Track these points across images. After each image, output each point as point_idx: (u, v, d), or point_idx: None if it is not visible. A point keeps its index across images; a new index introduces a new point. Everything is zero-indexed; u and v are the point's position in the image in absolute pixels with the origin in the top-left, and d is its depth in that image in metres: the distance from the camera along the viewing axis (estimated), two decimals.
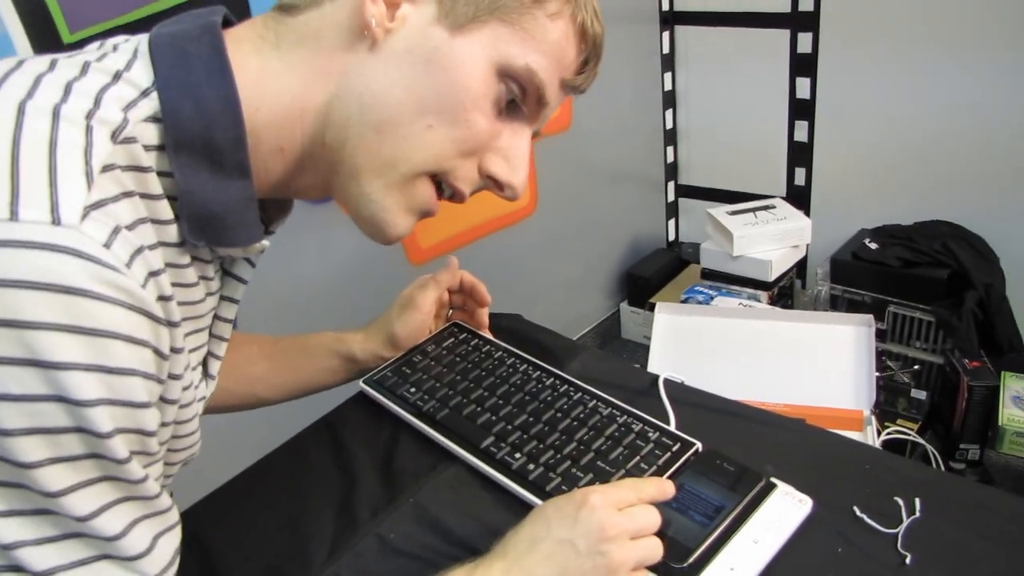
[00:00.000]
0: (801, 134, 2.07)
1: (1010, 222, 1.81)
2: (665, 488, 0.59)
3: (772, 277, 1.86)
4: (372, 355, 0.83)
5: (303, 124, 0.53)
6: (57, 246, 0.38)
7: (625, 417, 0.70)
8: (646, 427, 0.68)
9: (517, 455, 0.67)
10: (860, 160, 2.01)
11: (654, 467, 0.64)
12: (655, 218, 2.43)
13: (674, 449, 0.66)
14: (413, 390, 0.78)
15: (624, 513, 0.56)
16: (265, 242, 0.56)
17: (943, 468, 1.54)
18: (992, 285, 1.73)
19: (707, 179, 2.35)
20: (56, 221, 0.38)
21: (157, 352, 0.43)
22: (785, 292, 1.96)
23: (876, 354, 1.41)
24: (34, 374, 0.37)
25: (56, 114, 0.42)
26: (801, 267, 2.05)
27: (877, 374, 1.41)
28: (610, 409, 0.71)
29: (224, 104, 0.48)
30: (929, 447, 1.54)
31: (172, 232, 0.48)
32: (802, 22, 1.96)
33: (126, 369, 0.41)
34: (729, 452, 0.65)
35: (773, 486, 0.62)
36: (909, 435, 1.58)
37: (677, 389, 0.77)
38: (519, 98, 0.55)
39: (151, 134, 0.46)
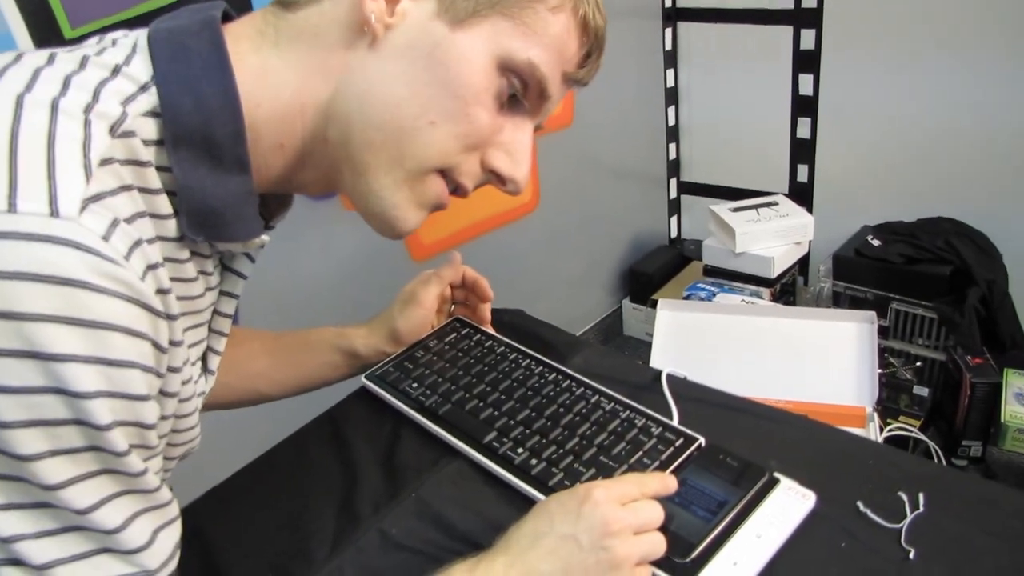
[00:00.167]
0: (804, 131, 2.06)
1: (1012, 219, 1.80)
2: (668, 483, 0.59)
3: (774, 274, 1.86)
4: (374, 350, 0.83)
5: (303, 120, 0.53)
6: (55, 238, 0.38)
7: (628, 412, 0.70)
8: (649, 422, 0.68)
9: (519, 450, 0.67)
10: (862, 157, 2.01)
11: (657, 462, 0.64)
12: (657, 215, 2.43)
13: (677, 444, 0.66)
14: (415, 385, 0.77)
15: (627, 508, 0.56)
16: (265, 237, 0.56)
17: (945, 465, 1.54)
18: (995, 282, 1.73)
19: (709, 176, 2.35)
20: (55, 213, 0.38)
21: (156, 345, 0.43)
22: (787, 289, 1.96)
23: (878, 351, 1.41)
24: (33, 366, 0.37)
25: (55, 107, 0.42)
26: (803, 264, 2.05)
27: (879, 371, 1.40)
28: (613, 404, 0.71)
29: (223, 99, 0.48)
30: (931, 444, 1.53)
31: (171, 227, 0.48)
32: (805, 19, 1.95)
33: (125, 361, 0.40)
34: (732, 447, 0.65)
35: (776, 481, 0.61)
36: (911, 432, 1.58)
37: (680, 384, 0.77)
38: (520, 93, 0.55)
39: (150, 129, 0.46)
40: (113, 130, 0.44)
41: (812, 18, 1.94)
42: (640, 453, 0.65)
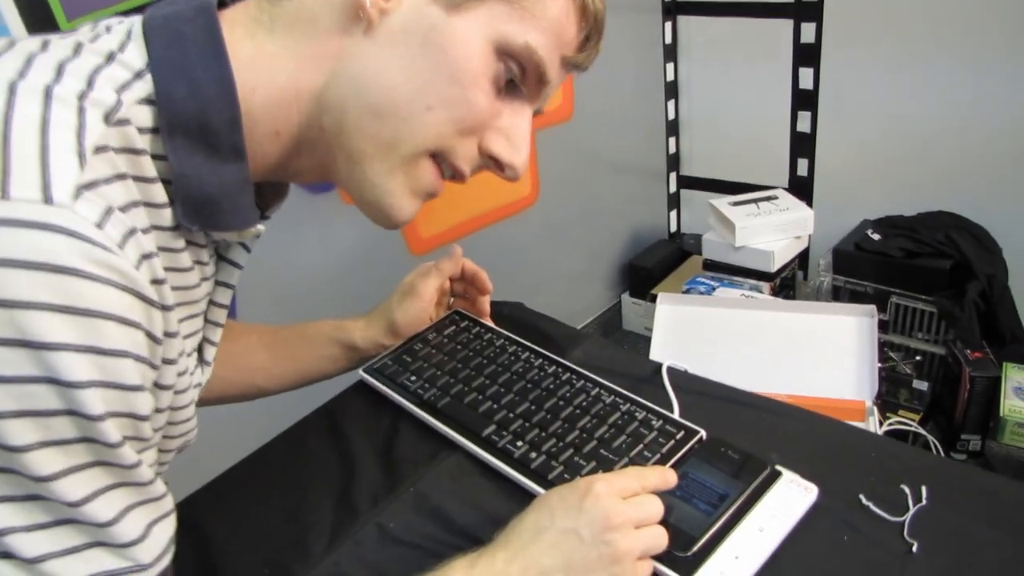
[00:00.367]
0: (804, 125, 2.06)
1: (1012, 213, 1.80)
2: (668, 477, 0.59)
3: (774, 268, 1.86)
4: (373, 343, 0.83)
5: (299, 107, 0.52)
6: (48, 225, 0.37)
7: (628, 405, 0.69)
8: (649, 415, 0.68)
9: (519, 443, 0.67)
10: (862, 151, 2.00)
11: (658, 456, 0.64)
12: (657, 209, 2.42)
13: (678, 437, 0.65)
14: (414, 378, 0.77)
15: (629, 502, 0.55)
16: (260, 227, 0.56)
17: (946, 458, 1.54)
18: (994, 276, 1.72)
19: (709, 170, 2.34)
20: (48, 200, 0.38)
21: (150, 335, 0.43)
22: (787, 283, 1.96)
23: (878, 345, 1.40)
24: (24, 355, 0.36)
25: (48, 94, 0.41)
26: (803, 258, 2.04)
27: (879, 365, 1.40)
28: (613, 397, 0.70)
29: (219, 86, 0.48)
30: (931, 438, 1.53)
31: (166, 216, 0.48)
32: (805, 12, 1.94)
33: (118, 351, 0.40)
34: (733, 440, 0.64)
35: (778, 474, 0.61)
36: (911, 426, 1.58)
37: (680, 377, 0.76)
38: (518, 78, 0.54)
39: (145, 117, 0.46)
40: (108, 118, 0.43)
41: (812, 12, 1.93)
42: (641, 446, 0.65)
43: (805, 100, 2.03)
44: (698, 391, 0.74)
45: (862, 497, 0.60)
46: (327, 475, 0.70)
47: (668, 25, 2.20)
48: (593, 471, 0.63)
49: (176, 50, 0.47)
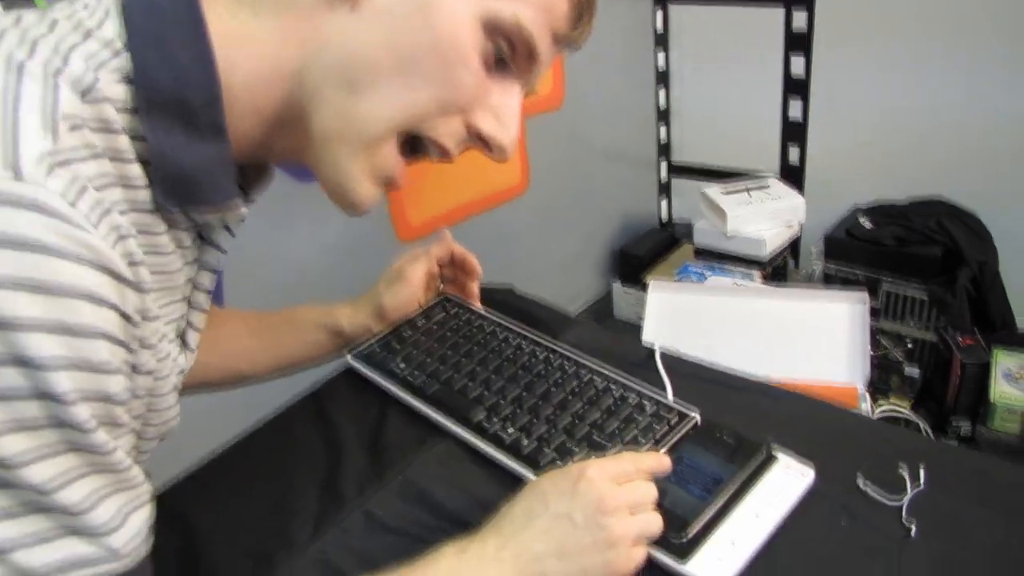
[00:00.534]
0: (795, 112, 2.05)
1: (1003, 200, 1.79)
2: (664, 462, 0.58)
3: (766, 255, 1.85)
4: (360, 328, 0.81)
5: (281, 85, 0.51)
6: (18, 200, 0.36)
7: (621, 389, 0.68)
8: (643, 399, 0.66)
9: (510, 429, 0.65)
10: (854, 138, 2.00)
11: (651, 440, 0.63)
12: (648, 197, 2.41)
13: (672, 421, 0.64)
14: (403, 364, 0.75)
15: (623, 487, 0.54)
16: (244, 209, 0.54)
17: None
18: (986, 262, 1.72)
19: (700, 158, 2.33)
20: (18, 175, 0.36)
21: (124, 316, 0.41)
22: (779, 271, 1.95)
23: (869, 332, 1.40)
24: None
25: (21, 70, 0.40)
26: (794, 247, 2.04)
27: (870, 352, 1.40)
28: (605, 381, 0.69)
29: (199, 64, 0.46)
30: (922, 423, 1.53)
31: (145, 197, 0.46)
32: None
33: (89, 330, 0.38)
34: (728, 424, 0.63)
35: (774, 458, 0.60)
36: (902, 412, 1.58)
37: (674, 361, 0.75)
38: (508, 55, 0.53)
39: (122, 94, 0.44)
40: (84, 94, 0.42)
41: None
42: (634, 431, 0.63)
43: (796, 88, 2.02)
44: (691, 374, 0.73)
45: (859, 480, 0.59)
46: (313, 462, 0.69)
47: (659, 13, 2.19)
48: (586, 457, 0.62)
49: (155, 27, 0.46)
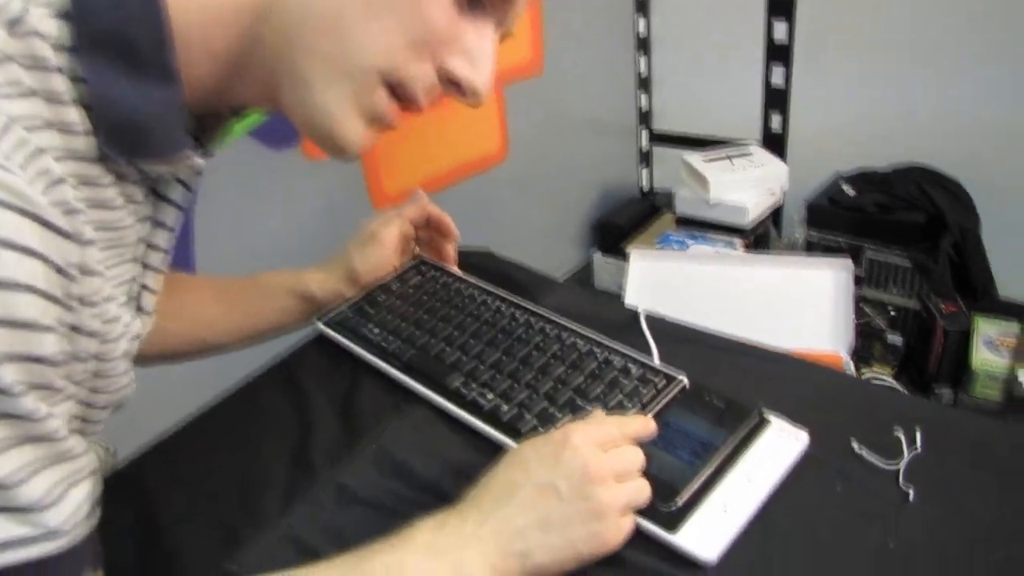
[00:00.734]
0: (777, 79, 2.01)
1: (984, 165, 1.78)
2: (649, 425, 0.54)
3: (748, 223, 1.82)
4: (331, 294, 0.77)
5: (238, 24, 0.47)
6: None
7: (605, 352, 0.65)
8: (628, 362, 0.63)
9: (489, 395, 0.62)
10: (836, 105, 1.97)
11: (638, 404, 0.59)
12: (628, 166, 2.38)
13: (659, 385, 0.61)
14: (376, 330, 0.72)
15: (609, 453, 0.51)
16: (199, 160, 0.50)
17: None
18: (968, 228, 1.71)
19: (681, 126, 2.29)
20: None
21: (57, 269, 0.37)
22: (761, 239, 1.93)
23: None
24: None
25: None
26: (776, 216, 2.02)
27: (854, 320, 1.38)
28: (589, 344, 0.66)
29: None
30: (904, 391, 1.52)
31: (86, 145, 0.42)
32: None
33: (11, 282, 0.34)
34: (717, 387, 0.60)
35: (766, 421, 0.57)
36: (885, 380, 1.57)
37: (659, 323, 0.72)
38: None
39: (59, 31, 0.40)
40: (10, 27, 0.38)
41: None
42: (619, 395, 0.60)
43: (779, 54, 1.98)
44: (677, 337, 0.70)
45: (854, 444, 0.57)
46: (282, 433, 0.65)
47: None
48: (569, 423, 0.58)
49: None
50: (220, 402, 0.71)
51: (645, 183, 2.41)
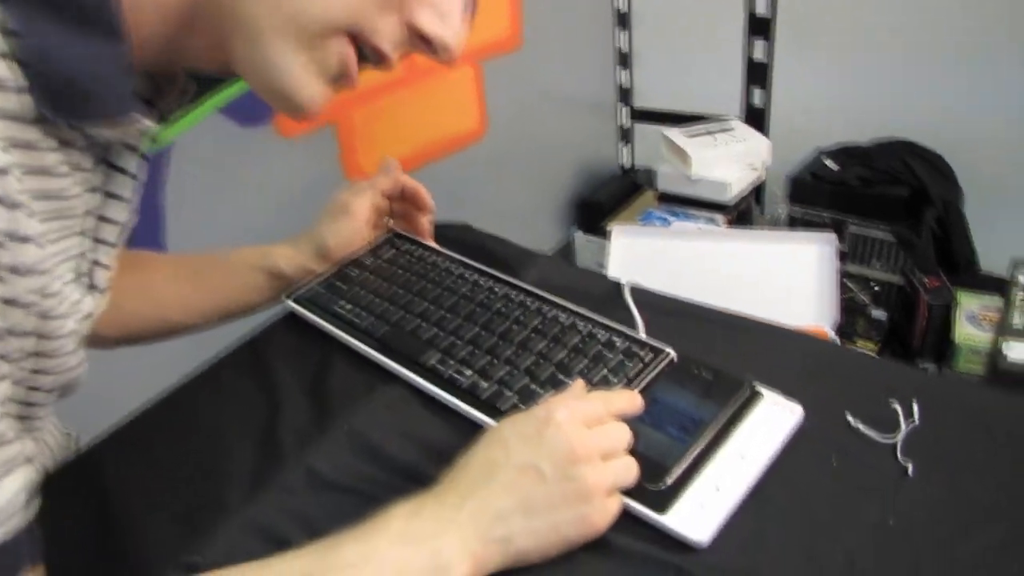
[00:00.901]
0: (759, 54, 1.98)
1: (965, 140, 1.77)
2: (636, 400, 0.52)
3: (731, 199, 1.80)
4: (301, 269, 0.73)
5: None
6: None
7: (588, 326, 0.62)
8: (612, 335, 0.60)
9: (467, 372, 0.59)
10: (818, 79, 1.95)
11: (624, 379, 0.57)
12: (609, 143, 2.34)
13: (645, 358, 0.58)
14: (348, 306, 0.68)
15: (594, 431, 0.48)
16: (149, 123, 0.46)
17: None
18: (951, 201, 1.70)
19: (662, 102, 2.26)
20: None
21: None
22: (743, 215, 1.91)
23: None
24: None
25: None
26: (758, 192, 2.00)
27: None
28: (571, 318, 0.63)
29: None
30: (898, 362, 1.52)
31: (19, 104, 0.39)
32: None
33: None
34: (706, 360, 0.58)
35: (758, 394, 0.54)
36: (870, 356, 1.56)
37: (644, 295, 0.69)
38: None
39: None
40: None
41: None
42: (604, 370, 0.57)
43: (760, 28, 1.95)
44: (663, 310, 0.67)
45: (849, 417, 0.54)
46: (249, 416, 0.61)
47: None
48: (551, 398, 0.55)
49: None
50: (182, 385, 0.67)
51: (626, 160, 2.38)
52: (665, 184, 1.89)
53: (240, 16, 0.46)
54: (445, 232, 0.80)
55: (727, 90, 2.06)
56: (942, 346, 1.59)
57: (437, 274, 0.70)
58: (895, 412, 0.54)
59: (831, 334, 1.31)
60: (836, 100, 1.94)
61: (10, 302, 0.38)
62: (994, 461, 0.51)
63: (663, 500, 0.48)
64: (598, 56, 2.21)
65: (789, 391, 0.55)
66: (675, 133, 1.90)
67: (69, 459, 0.63)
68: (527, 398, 0.56)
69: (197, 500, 0.55)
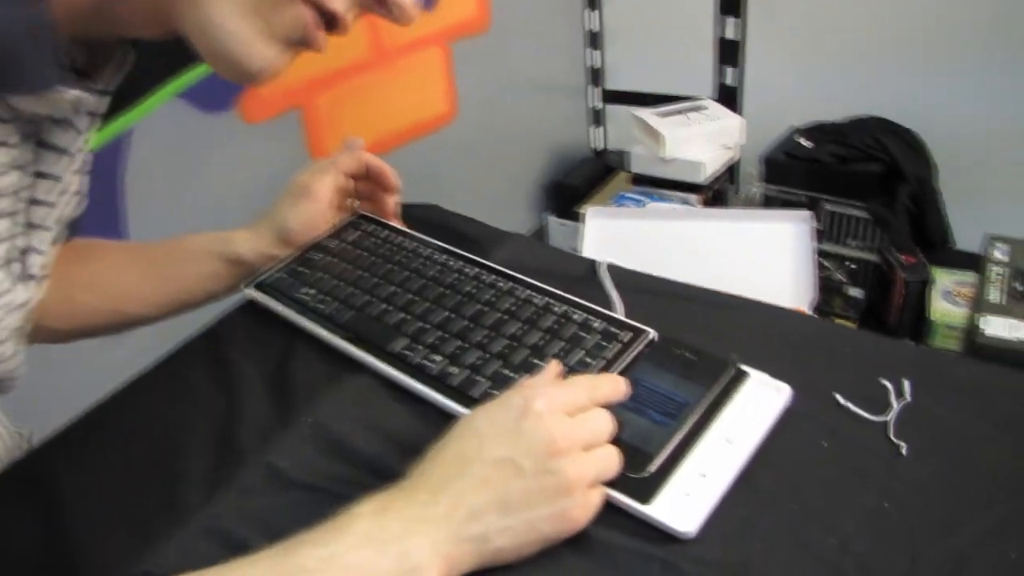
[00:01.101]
0: (731, 32, 1.96)
1: (937, 114, 1.76)
2: (620, 386, 0.49)
3: (705, 179, 1.78)
4: (262, 255, 0.69)
5: None
6: None
7: (564, 307, 0.58)
8: (589, 316, 0.57)
9: (437, 357, 0.55)
10: (790, 57, 1.93)
11: (602, 361, 0.54)
12: (581, 125, 2.31)
13: (624, 339, 0.55)
14: (311, 291, 0.64)
15: (575, 420, 0.45)
16: (78, 92, 0.42)
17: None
18: (924, 179, 1.69)
19: (634, 83, 2.24)
20: None
21: None
22: (718, 195, 1.89)
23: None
24: None
25: None
26: (732, 171, 1.98)
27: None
28: (546, 299, 0.59)
29: None
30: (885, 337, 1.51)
31: None
32: None
33: None
34: (688, 340, 0.55)
35: (744, 374, 0.52)
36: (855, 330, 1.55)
37: (621, 274, 0.66)
38: None
39: None
40: None
41: None
42: (581, 352, 0.54)
43: (731, 6, 1.93)
44: (641, 288, 0.64)
45: (839, 396, 0.52)
46: (205, 412, 0.58)
47: None
48: (527, 382, 0.52)
49: None
50: (135, 380, 0.63)
51: (598, 143, 2.35)
52: (638, 166, 1.87)
53: None
54: (412, 212, 0.77)
55: (699, 70, 2.04)
56: (919, 323, 1.59)
57: (404, 256, 0.66)
58: (885, 390, 0.52)
59: (809, 313, 1.30)
60: (809, 78, 1.92)
61: None
62: (990, 439, 0.49)
63: (646, 489, 0.45)
64: (568, 37, 2.18)
65: (775, 370, 0.53)
66: (647, 113, 1.88)
67: (17, 459, 0.59)
68: (500, 384, 0.53)
69: (151, 503, 0.51)
